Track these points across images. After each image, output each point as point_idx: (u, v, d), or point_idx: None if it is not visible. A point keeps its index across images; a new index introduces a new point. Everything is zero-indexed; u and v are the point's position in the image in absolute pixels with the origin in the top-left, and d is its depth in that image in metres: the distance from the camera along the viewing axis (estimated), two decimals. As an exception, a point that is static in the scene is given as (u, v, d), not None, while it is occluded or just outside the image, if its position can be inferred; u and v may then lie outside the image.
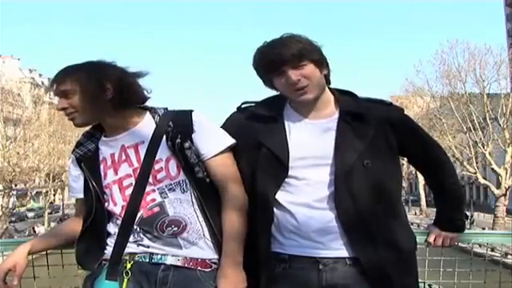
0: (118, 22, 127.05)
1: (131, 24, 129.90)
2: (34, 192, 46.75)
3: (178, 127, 1.89)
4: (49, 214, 42.49)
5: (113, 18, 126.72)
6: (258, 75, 1.98)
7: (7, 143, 35.01)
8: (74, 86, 1.85)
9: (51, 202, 47.42)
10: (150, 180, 1.88)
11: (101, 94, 1.86)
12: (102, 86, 1.86)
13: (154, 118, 1.94)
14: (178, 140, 1.87)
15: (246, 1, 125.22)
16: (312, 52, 1.89)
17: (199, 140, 1.89)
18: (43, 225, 41.09)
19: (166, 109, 1.98)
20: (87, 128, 2.01)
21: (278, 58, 1.86)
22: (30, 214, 47.30)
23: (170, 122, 1.90)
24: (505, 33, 49.65)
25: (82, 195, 2.00)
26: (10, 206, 36.04)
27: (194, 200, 1.88)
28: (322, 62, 1.92)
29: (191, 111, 1.94)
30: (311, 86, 1.88)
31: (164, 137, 1.89)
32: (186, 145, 1.88)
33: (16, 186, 38.55)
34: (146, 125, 1.93)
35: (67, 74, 1.88)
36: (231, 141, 1.93)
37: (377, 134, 1.92)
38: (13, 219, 39.51)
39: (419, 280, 2.08)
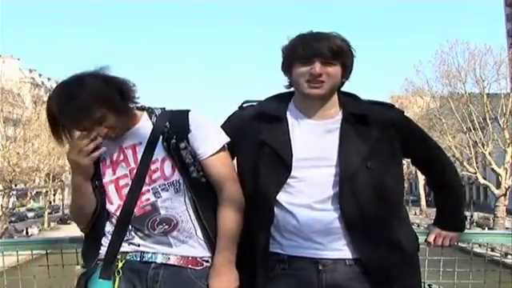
0: (118, 22, 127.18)
1: (131, 24, 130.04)
2: (34, 192, 46.79)
3: (174, 127, 1.90)
4: (49, 214, 42.53)
5: (112, 18, 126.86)
6: (284, 56, 1.95)
7: (7, 143, 35.04)
8: (103, 111, 1.80)
9: (50, 202, 47.46)
10: (146, 180, 1.89)
11: (123, 102, 1.85)
12: (120, 94, 1.84)
13: (151, 118, 1.94)
14: (173, 140, 1.88)
15: (246, 1, 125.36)
16: (346, 56, 1.91)
17: (196, 140, 1.89)
18: (42, 224, 41.11)
19: (164, 109, 1.99)
20: None
21: (317, 46, 1.85)
22: (30, 214, 47.28)
23: (167, 123, 1.91)
24: (505, 33, 49.68)
25: None
26: (10, 205, 36.06)
27: (187, 200, 1.89)
28: (348, 69, 1.93)
29: (188, 111, 1.95)
30: (326, 85, 1.88)
31: (160, 137, 1.89)
32: (182, 145, 1.88)
33: (16, 186, 38.58)
34: (144, 125, 1.94)
35: (87, 104, 1.77)
36: (226, 139, 1.93)
37: (380, 136, 1.92)
38: (13, 219, 39.49)
39: (419, 280, 2.08)
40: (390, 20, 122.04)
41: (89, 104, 1.77)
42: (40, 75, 62.62)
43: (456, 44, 34.20)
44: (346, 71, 1.93)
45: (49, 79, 61.16)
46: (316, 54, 1.85)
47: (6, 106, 37.94)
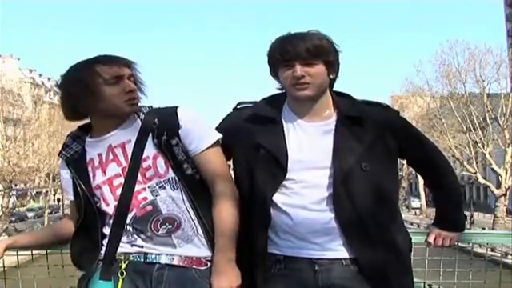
0: (118, 22, 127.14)
1: (130, 24, 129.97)
2: (34, 192, 46.74)
3: (163, 124, 1.88)
4: (49, 214, 42.49)
5: (112, 18, 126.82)
6: (268, 62, 1.96)
7: (7, 143, 35.01)
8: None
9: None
10: (140, 178, 1.86)
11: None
12: None
13: (139, 116, 1.92)
14: (164, 137, 1.86)
15: (246, 2, 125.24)
16: (328, 53, 1.89)
17: (186, 136, 1.88)
18: (42, 224, 41.00)
19: (151, 107, 1.96)
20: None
21: (293, 49, 1.85)
22: (30, 214, 47.16)
23: (156, 120, 1.89)
24: (505, 33, 49.60)
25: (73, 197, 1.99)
26: (10, 205, 36.00)
27: (184, 197, 1.87)
28: (333, 66, 1.92)
29: (176, 107, 1.93)
30: (312, 85, 1.87)
31: (150, 134, 1.88)
32: (174, 141, 1.86)
33: (16, 186, 38.54)
34: (132, 123, 1.92)
35: (127, 60, 1.92)
36: (218, 135, 1.92)
37: (375, 137, 1.92)
38: (13, 219, 39.39)
39: (419, 280, 2.08)
40: (390, 20, 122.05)
41: (127, 61, 1.89)
42: (40, 75, 62.54)
43: (456, 44, 34.28)
44: (332, 68, 1.91)
45: (49, 79, 61.09)
46: (294, 56, 1.85)
47: (5, 106, 37.90)
